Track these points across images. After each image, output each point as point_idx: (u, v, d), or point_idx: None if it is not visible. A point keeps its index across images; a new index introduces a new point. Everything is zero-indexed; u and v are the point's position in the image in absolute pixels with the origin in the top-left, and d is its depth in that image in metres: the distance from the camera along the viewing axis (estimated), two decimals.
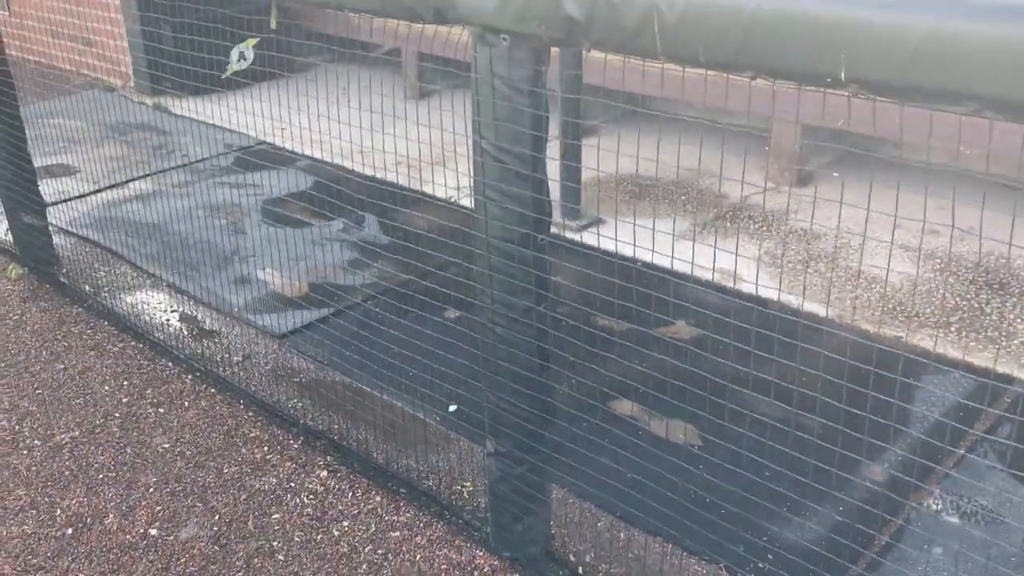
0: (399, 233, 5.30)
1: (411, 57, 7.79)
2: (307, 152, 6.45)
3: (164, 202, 5.83)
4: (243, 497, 3.35)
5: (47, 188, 5.42)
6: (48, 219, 5.08)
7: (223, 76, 7.94)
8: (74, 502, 3.35)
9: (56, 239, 5.25)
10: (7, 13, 8.76)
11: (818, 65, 1.81)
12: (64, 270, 5.02)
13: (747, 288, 4.54)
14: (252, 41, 8.67)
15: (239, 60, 8.23)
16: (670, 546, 3.05)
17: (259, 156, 6.65)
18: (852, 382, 2.29)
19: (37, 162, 5.11)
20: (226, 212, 5.77)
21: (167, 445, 3.64)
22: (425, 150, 3.77)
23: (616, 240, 3.17)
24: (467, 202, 5.61)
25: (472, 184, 2.56)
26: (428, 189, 5.94)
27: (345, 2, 2.64)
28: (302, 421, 3.75)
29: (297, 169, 6.35)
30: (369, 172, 5.57)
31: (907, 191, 2.24)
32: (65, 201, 5.89)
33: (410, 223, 5.34)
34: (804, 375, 2.99)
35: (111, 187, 6.18)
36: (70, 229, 5.54)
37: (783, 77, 1.92)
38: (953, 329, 4.26)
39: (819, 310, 4.38)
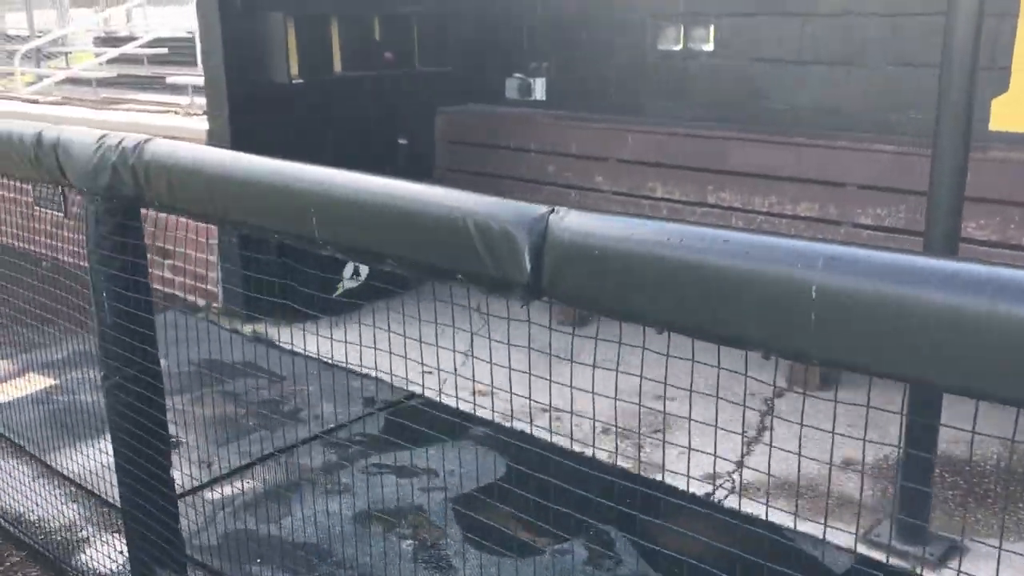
0: (667, 566, 3.68)
1: None
2: (472, 410, 4.87)
3: (313, 502, 4.21)
4: None
5: None
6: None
7: (334, 295, 6.47)
8: None
9: None
10: (62, 215, 7.34)
11: None
12: None
13: None
14: None
15: (353, 276, 6.78)
16: None
17: (414, 418, 5.04)
18: None
19: None
20: (408, 524, 4.13)
21: None
22: (628, 409, 2.41)
23: None
24: (744, 505, 4.01)
25: None
26: (671, 481, 4.36)
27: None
28: None
29: (474, 442, 4.76)
30: (568, 445, 4.01)
31: None
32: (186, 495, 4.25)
33: (672, 544, 3.70)
34: None
35: (231, 474, 4.55)
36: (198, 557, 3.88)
37: None
38: None
39: None
